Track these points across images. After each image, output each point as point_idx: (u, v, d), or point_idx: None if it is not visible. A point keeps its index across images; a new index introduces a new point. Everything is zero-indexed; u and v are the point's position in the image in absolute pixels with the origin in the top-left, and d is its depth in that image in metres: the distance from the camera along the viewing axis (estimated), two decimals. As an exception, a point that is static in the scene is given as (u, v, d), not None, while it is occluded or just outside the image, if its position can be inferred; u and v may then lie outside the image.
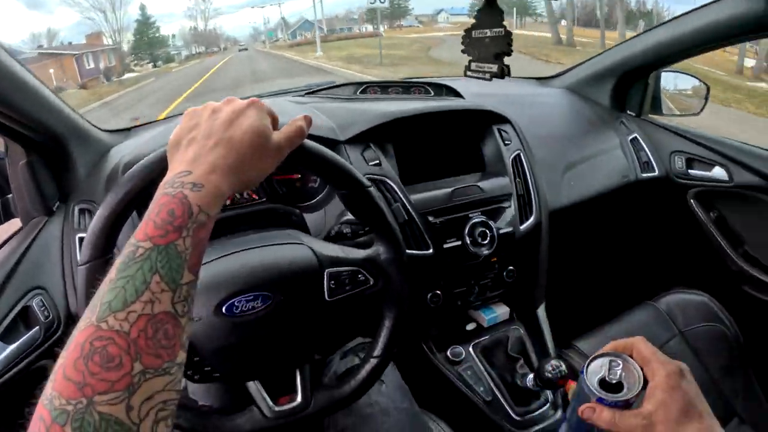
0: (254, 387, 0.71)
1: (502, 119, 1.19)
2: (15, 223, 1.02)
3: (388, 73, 14.28)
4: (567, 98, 1.57)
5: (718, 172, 1.38)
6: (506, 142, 1.16)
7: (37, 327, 0.82)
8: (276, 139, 0.55)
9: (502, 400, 1.06)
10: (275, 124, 0.57)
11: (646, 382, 0.56)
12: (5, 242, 0.97)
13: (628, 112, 1.55)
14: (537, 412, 1.06)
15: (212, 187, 0.47)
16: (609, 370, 0.58)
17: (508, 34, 0.82)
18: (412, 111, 1.09)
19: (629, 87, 1.53)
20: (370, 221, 0.73)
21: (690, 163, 1.43)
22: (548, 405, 1.08)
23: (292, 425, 0.71)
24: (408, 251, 0.96)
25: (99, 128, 1.14)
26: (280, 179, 1.03)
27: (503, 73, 0.82)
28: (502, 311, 1.16)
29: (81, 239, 0.91)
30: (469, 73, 0.86)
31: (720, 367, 1.17)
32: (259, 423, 0.70)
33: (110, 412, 0.34)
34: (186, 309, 0.42)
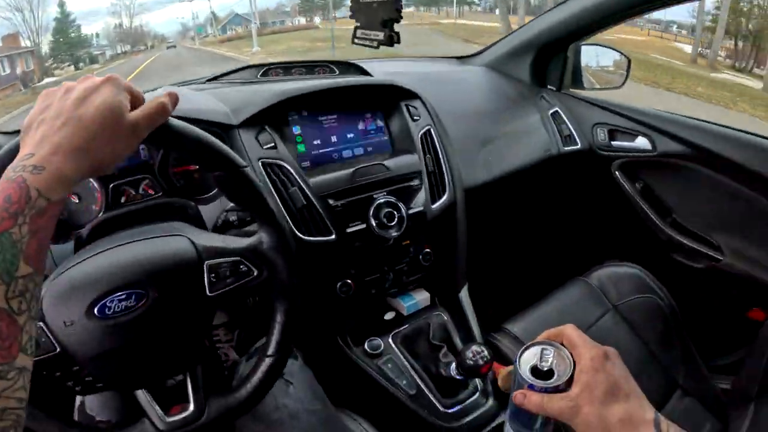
0: (143, 397, 0.66)
1: (411, 95, 1.14)
2: None
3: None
4: (486, 75, 1.54)
5: (641, 142, 1.38)
6: (414, 117, 1.11)
7: None
8: (132, 117, 0.51)
9: (427, 392, 0.99)
10: (137, 102, 0.53)
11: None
12: None
13: (549, 87, 1.54)
14: (467, 402, 1.00)
15: (54, 169, 0.44)
16: (540, 358, 0.62)
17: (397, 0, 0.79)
18: (308, 88, 1.02)
19: (548, 61, 1.51)
20: (249, 205, 0.68)
21: (613, 134, 1.43)
22: (478, 393, 1.02)
23: None
24: (308, 238, 0.92)
25: None
26: (178, 171, 0.96)
27: (392, 40, 0.80)
28: (422, 297, 1.10)
29: None
30: (356, 41, 0.84)
31: (657, 339, 1.16)
32: None
33: None
34: (24, 306, 0.39)
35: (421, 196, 1.04)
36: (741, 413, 1.00)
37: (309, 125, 1.04)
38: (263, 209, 0.67)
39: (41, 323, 0.56)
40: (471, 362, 0.88)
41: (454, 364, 0.95)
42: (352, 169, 1.00)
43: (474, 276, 1.18)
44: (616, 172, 1.45)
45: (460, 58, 1.68)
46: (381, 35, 0.80)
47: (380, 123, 1.12)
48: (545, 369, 0.61)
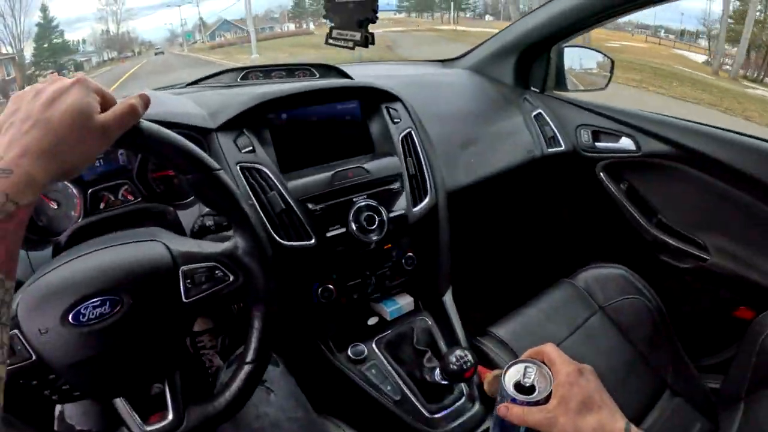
0: (121, 405, 0.65)
1: (391, 97, 1.14)
2: None
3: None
4: (470, 78, 1.54)
5: (625, 142, 1.38)
6: (395, 120, 1.10)
7: None
8: (102, 119, 0.50)
9: (412, 398, 0.98)
10: (108, 104, 0.53)
11: None
12: None
13: (532, 88, 1.54)
14: (452, 408, 0.99)
15: (22, 173, 0.43)
16: (524, 374, 0.69)
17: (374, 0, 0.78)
18: (286, 91, 1.02)
19: (531, 63, 1.52)
20: (223, 209, 0.68)
21: (596, 135, 1.43)
22: (464, 398, 1.01)
23: None
24: (287, 242, 0.91)
25: None
26: (158, 176, 0.96)
27: (367, 41, 0.80)
28: (405, 302, 1.09)
29: None
30: (330, 41, 0.84)
31: (646, 339, 1.15)
32: None
33: None
34: None
35: (402, 200, 1.04)
36: (731, 412, 1.00)
37: (288, 128, 1.03)
38: (238, 213, 0.66)
39: (16, 330, 0.56)
40: (455, 367, 0.87)
41: (438, 369, 0.94)
42: (331, 173, 0.99)
43: (459, 279, 1.17)
44: (601, 174, 1.45)
45: (443, 62, 1.68)
46: (357, 35, 0.79)
47: (360, 125, 1.11)
48: (527, 385, 0.68)
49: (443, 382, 0.95)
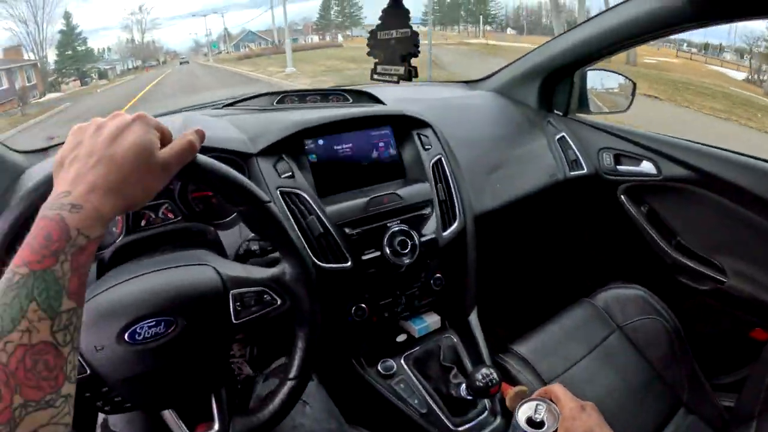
0: (169, 416, 0.69)
1: (422, 124, 1.18)
2: None
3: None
4: (495, 101, 1.57)
5: (646, 166, 1.40)
6: (426, 146, 1.14)
7: None
8: (163, 155, 0.52)
9: (437, 411, 1.03)
10: (166, 139, 0.55)
11: None
12: None
13: (556, 111, 1.57)
14: (475, 421, 1.04)
15: (91, 208, 0.45)
16: (535, 411, 0.80)
17: (415, 35, 0.81)
18: (324, 119, 1.07)
19: (555, 86, 1.54)
20: (273, 238, 0.71)
21: (618, 159, 1.45)
22: (486, 413, 1.06)
23: None
24: (325, 265, 0.95)
25: (12, 149, 1.08)
26: (197, 196, 0.99)
27: (410, 75, 0.81)
28: (432, 320, 1.14)
29: None
30: (375, 76, 0.86)
31: (662, 358, 1.19)
32: None
33: None
34: (68, 338, 0.41)
35: (433, 224, 1.08)
36: (744, 430, 1.02)
37: (325, 154, 1.08)
38: (286, 242, 0.69)
39: None
40: (481, 384, 0.92)
41: (464, 385, 0.99)
42: (366, 198, 1.04)
43: (483, 298, 1.21)
44: (622, 196, 1.47)
45: (469, 83, 1.71)
46: (401, 70, 0.81)
47: (393, 151, 1.15)
48: (538, 420, 0.79)
49: (468, 397, 1.00)
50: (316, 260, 0.94)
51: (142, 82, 23.28)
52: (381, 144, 1.15)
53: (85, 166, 0.48)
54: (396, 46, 0.81)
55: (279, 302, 0.69)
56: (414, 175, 1.14)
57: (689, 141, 1.35)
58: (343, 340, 1.06)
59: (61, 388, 0.39)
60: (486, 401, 1.06)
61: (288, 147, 1.03)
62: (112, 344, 0.59)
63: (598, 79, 1.56)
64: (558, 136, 1.47)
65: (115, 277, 0.65)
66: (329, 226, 0.97)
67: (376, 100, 1.30)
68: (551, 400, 0.81)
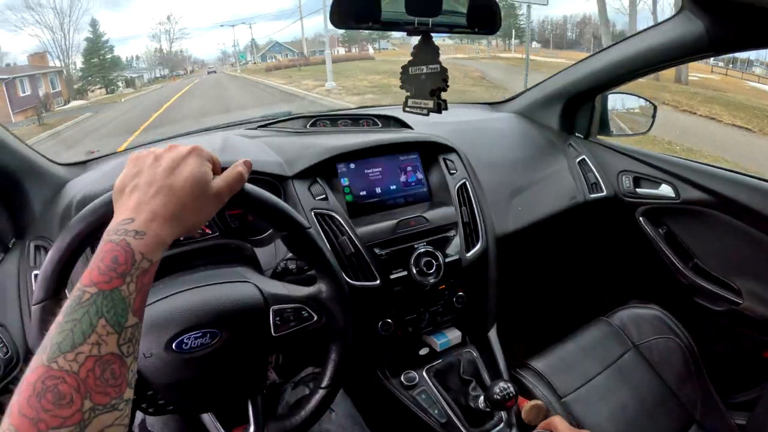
0: (208, 419, 0.74)
1: (448, 149, 1.24)
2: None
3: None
4: (517, 123, 1.61)
5: (665, 189, 1.43)
6: (452, 171, 1.20)
7: None
8: (216, 186, 0.57)
9: (456, 421, 1.08)
10: (216, 168, 0.60)
11: None
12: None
13: (577, 134, 1.60)
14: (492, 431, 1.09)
15: (154, 235, 0.49)
16: None
17: (444, 71, 0.83)
18: (356, 145, 1.13)
19: (577, 110, 1.57)
20: (312, 260, 0.75)
21: (637, 181, 1.48)
22: (503, 424, 1.10)
23: None
24: (355, 282, 1.01)
25: (54, 162, 1.14)
26: (233, 214, 1.05)
27: (440, 108, 0.83)
28: (454, 336, 1.19)
29: (37, 276, 0.92)
30: (407, 108, 0.87)
31: (676, 377, 1.22)
32: None
33: None
34: (131, 350, 0.45)
35: (457, 245, 1.13)
36: None
37: (356, 177, 1.15)
38: (324, 264, 0.74)
39: None
40: (498, 397, 0.96)
41: (482, 398, 1.04)
42: (395, 221, 1.10)
43: (502, 315, 1.26)
44: (640, 218, 1.50)
45: (492, 104, 1.75)
46: (430, 103, 0.84)
47: (420, 175, 1.22)
48: None
49: (486, 409, 1.05)
50: (346, 278, 1.00)
51: (168, 92, 22.71)
52: (409, 168, 1.21)
53: (146, 195, 0.52)
54: (426, 81, 0.84)
55: (315, 318, 0.74)
56: (440, 198, 1.20)
57: (707, 165, 1.37)
58: (369, 352, 1.12)
59: (124, 393, 0.43)
60: (503, 413, 1.11)
61: (322, 170, 1.09)
62: (160, 352, 0.64)
63: (619, 102, 1.59)
64: (578, 159, 1.51)
65: (163, 289, 0.70)
66: (360, 247, 1.04)
67: (403, 124, 1.36)
68: None
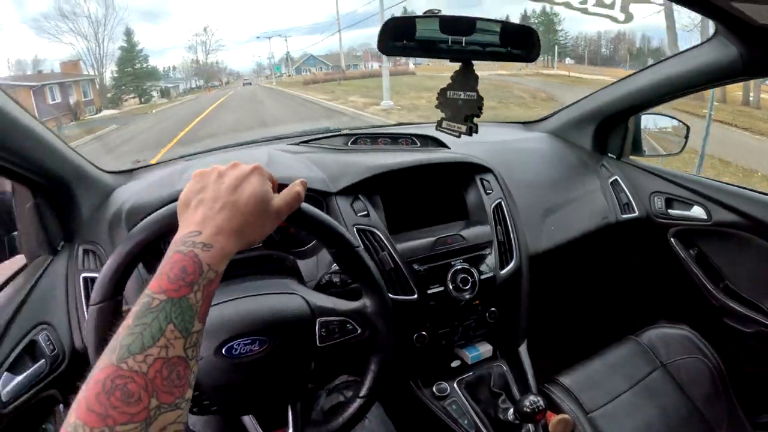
0: (249, 421, 0.78)
1: (485, 169, 1.28)
2: (20, 259, 1.05)
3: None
4: (550, 143, 1.64)
5: (697, 211, 1.44)
6: (488, 191, 1.24)
7: (43, 360, 0.86)
8: (276, 204, 0.60)
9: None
10: (275, 187, 0.63)
11: None
12: (11, 278, 0.99)
13: (609, 155, 1.62)
14: None
15: (219, 248, 0.52)
16: None
17: (480, 99, 0.86)
18: (397, 165, 1.18)
19: (610, 131, 1.59)
20: (358, 276, 0.78)
21: (669, 203, 1.49)
22: (530, 437, 1.14)
23: None
24: (393, 296, 1.06)
25: (102, 169, 1.18)
26: (278, 226, 1.11)
27: (471, 131, 0.87)
28: (485, 349, 1.23)
29: (85, 279, 0.97)
30: (440, 128, 0.90)
31: (703, 396, 1.24)
32: None
33: None
34: (195, 353, 0.47)
35: (491, 263, 1.18)
36: None
37: (396, 195, 1.20)
38: (370, 281, 0.77)
39: None
40: (528, 409, 1.00)
41: (512, 410, 1.07)
42: (434, 238, 1.14)
43: (533, 331, 1.29)
44: (672, 239, 1.51)
45: (526, 124, 1.78)
46: (463, 128, 0.88)
47: (457, 194, 1.26)
48: None
49: (515, 421, 1.08)
50: None
51: (202, 104, 21.86)
52: (446, 186, 1.25)
53: (212, 210, 0.55)
54: (462, 107, 0.87)
55: (359, 331, 0.77)
56: (476, 217, 1.24)
57: (740, 187, 1.38)
58: (404, 362, 1.16)
59: (186, 393, 0.45)
60: (530, 426, 1.13)
61: (364, 188, 1.15)
62: (210, 356, 0.67)
63: (652, 122, 1.60)
64: (611, 180, 1.52)
65: (215, 297, 0.74)
66: (399, 262, 1.08)
67: (440, 143, 1.40)
68: None
